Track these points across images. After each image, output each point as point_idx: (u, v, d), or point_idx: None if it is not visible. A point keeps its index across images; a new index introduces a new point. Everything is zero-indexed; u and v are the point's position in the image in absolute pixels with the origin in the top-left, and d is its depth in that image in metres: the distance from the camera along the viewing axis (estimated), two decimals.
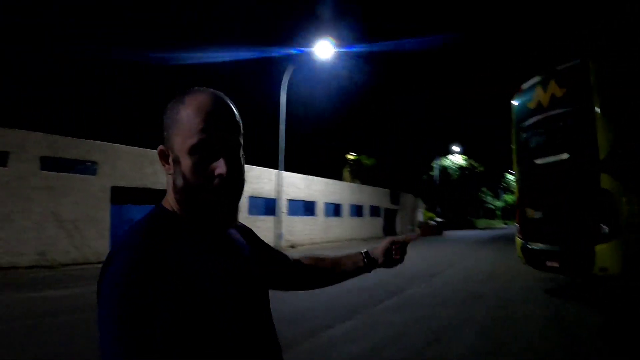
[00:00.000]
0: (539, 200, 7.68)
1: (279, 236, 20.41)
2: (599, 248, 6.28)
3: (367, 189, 32.56)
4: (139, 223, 0.93)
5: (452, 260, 15.30)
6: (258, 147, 23.47)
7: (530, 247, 7.75)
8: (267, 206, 21.18)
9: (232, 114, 0.98)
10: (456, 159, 57.47)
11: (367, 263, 1.48)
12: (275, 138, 20.16)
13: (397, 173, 39.67)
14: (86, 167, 13.75)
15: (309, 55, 20.07)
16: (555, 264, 7.12)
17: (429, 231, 35.05)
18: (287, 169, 21.90)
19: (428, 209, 46.51)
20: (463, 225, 54.25)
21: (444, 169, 54.34)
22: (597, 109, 6.51)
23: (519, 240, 8.17)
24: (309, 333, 5.65)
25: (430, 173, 50.97)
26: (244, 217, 19.52)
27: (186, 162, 0.93)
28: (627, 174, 6.36)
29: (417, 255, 16.27)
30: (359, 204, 30.51)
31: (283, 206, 21.65)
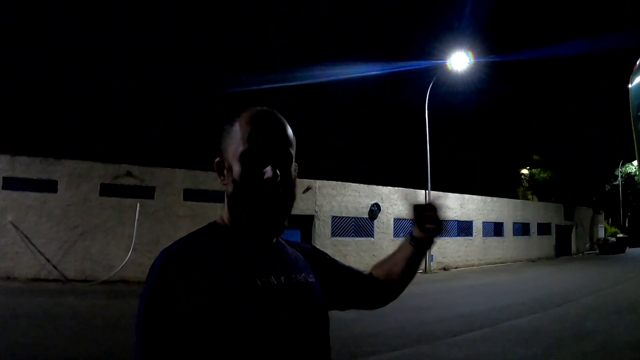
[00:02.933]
0: None
1: (429, 258, 19.21)
2: None
3: (534, 205, 29.32)
4: (187, 235, 0.99)
5: (604, 284, 13.66)
6: (406, 168, 22.57)
7: None
8: None
9: (282, 127, 1.04)
10: None
11: (415, 245, 1.35)
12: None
13: (574, 185, 35.10)
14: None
15: (445, 68, 18.94)
16: None
17: None
18: (449, 190, 21.41)
19: (611, 224, 40.37)
20: None
21: (629, 177, 46.68)
22: None
23: None
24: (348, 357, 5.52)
25: (613, 182, 43.94)
26: (388, 239, 18.72)
27: (237, 169, 1.00)
28: None
29: (569, 275, 14.88)
30: (525, 221, 27.51)
31: None
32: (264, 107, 1.06)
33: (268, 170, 0.96)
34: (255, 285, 0.93)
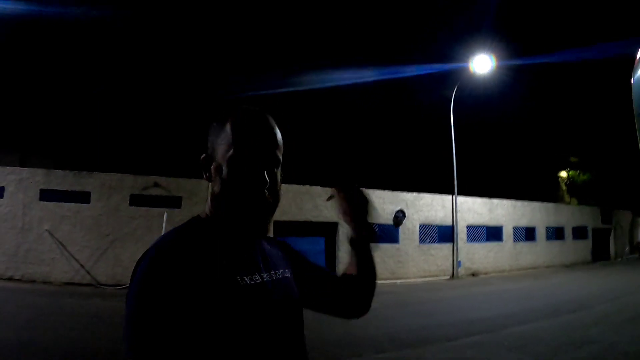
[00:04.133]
0: None
1: (457, 264, 19.08)
2: None
3: (569, 209, 28.49)
4: (173, 229, 1.03)
5: (629, 290, 13.31)
6: (431, 174, 22.42)
7: None
8: (442, 233, 20.05)
9: (272, 130, 1.06)
10: None
11: (351, 244, 1.39)
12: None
13: (613, 187, 33.95)
14: None
15: (468, 71, 18.85)
16: None
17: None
18: (478, 195, 21.23)
19: None
20: None
21: None
22: None
23: None
24: None
25: None
26: (414, 245, 18.67)
27: (226, 171, 1.01)
28: None
29: (599, 280, 14.60)
30: (559, 225, 26.75)
31: (461, 232, 20.22)
32: (255, 108, 1.07)
33: (262, 176, 0.99)
34: (241, 282, 0.95)
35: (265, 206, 1.02)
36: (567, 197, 33.99)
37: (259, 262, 1.05)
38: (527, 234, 24.56)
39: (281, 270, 1.11)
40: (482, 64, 19.37)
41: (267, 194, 1.01)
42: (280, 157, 1.05)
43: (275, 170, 1.04)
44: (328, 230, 16.70)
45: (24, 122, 18.60)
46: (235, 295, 0.92)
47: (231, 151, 1.00)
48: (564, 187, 34.94)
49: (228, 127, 1.03)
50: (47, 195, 13.85)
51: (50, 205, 13.77)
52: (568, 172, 35.30)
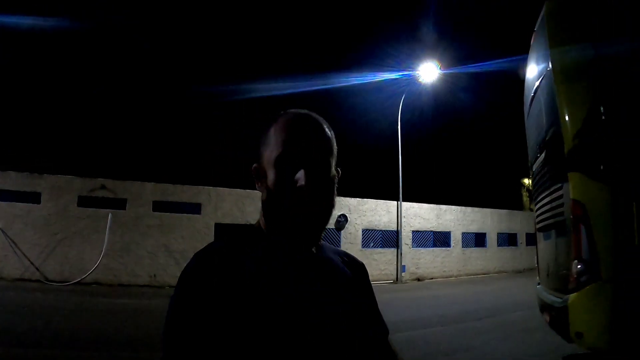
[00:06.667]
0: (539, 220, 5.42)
1: (401, 268, 19.99)
2: (572, 299, 3.74)
3: (523, 215, 29.42)
4: (223, 237, 1.00)
5: None
6: (379, 180, 23.41)
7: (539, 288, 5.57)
8: (385, 238, 21.02)
9: (320, 132, 1.01)
10: None
11: None
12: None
13: None
14: (192, 208, 16.27)
15: (415, 79, 19.86)
16: (547, 317, 4.74)
17: None
18: (427, 201, 22.05)
19: None
20: None
21: None
22: (553, 65, 4.17)
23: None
24: None
25: None
26: (356, 249, 19.65)
27: (271, 174, 0.98)
28: (620, 166, 3.70)
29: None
30: (512, 232, 27.71)
31: (406, 238, 21.16)
32: (301, 110, 1.03)
33: (301, 177, 0.93)
34: (278, 301, 0.88)
35: (313, 211, 0.96)
36: (528, 204, 34.97)
37: (309, 280, 0.97)
38: (477, 240, 25.45)
39: (339, 295, 1.01)
40: (429, 71, 20.32)
41: (314, 197, 0.94)
42: (331, 160, 1.00)
43: (323, 173, 0.98)
44: None
45: None
46: (264, 312, 0.85)
47: (275, 153, 0.97)
48: (525, 195, 35.96)
49: (272, 131, 1.00)
50: (0, 195, 14.90)
51: (3, 204, 14.80)
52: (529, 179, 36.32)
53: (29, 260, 14.81)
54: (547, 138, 4.62)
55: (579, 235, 3.67)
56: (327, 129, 1.02)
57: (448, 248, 23.68)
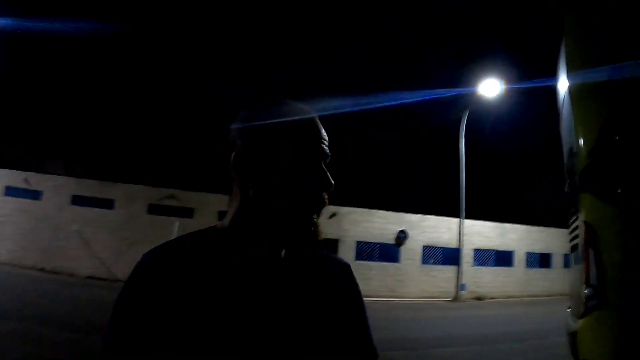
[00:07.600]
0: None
1: (460, 287, 19.52)
2: (580, 324, 3.56)
3: None
4: (179, 236, 0.97)
5: None
6: (442, 197, 22.96)
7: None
8: (446, 256, 20.51)
9: (318, 122, 0.97)
10: None
11: None
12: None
13: None
14: None
15: (479, 96, 19.40)
16: (568, 343, 4.33)
17: None
18: (490, 219, 21.52)
19: None
20: None
21: None
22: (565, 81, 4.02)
23: None
24: None
25: None
26: (416, 266, 19.36)
27: (296, 170, 0.89)
28: (632, 188, 3.45)
29: None
30: None
31: (467, 256, 20.63)
32: (304, 104, 0.99)
33: (328, 180, 0.90)
34: (222, 307, 0.83)
35: (319, 215, 0.92)
36: None
37: (266, 286, 0.89)
38: (542, 260, 24.35)
39: (307, 288, 0.95)
40: (491, 87, 19.82)
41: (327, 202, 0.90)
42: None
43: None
44: (329, 247, 17.70)
45: (67, 134, 21.04)
46: (213, 309, 0.82)
47: (310, 149, 0.90)
48: None
49: (300, 123, 0.92)
50: (77, 200, 15.87)
51: (80, 209, 15.75)
52: None
53: (101, 260, 15.64)
54: (567, 157, 4.47)
55: (588, 259, 3.50)
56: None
57: (510, 268, 22.82)
